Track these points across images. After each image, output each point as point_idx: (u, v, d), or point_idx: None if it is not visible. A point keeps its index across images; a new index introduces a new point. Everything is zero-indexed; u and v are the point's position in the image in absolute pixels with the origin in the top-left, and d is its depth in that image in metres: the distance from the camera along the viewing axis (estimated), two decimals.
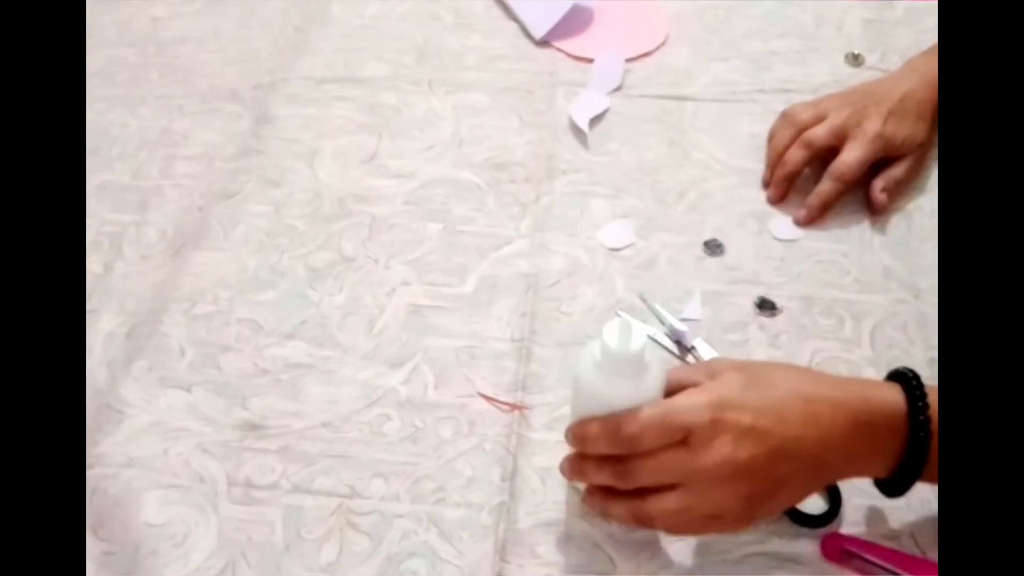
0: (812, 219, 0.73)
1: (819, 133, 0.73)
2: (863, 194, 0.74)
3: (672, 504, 0.50)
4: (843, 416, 0.50)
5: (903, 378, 0.52)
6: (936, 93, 0.74)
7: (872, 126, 0.72)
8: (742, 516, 0.51)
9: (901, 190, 0.74)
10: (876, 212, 0.73)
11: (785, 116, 0.77)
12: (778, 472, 0.50)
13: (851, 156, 0.72)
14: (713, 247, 0.71)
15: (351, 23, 0.93)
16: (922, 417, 0.49)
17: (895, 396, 0.51)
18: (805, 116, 0.75)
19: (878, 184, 0.73)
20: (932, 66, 0.75)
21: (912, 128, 0.73)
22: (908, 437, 0.50)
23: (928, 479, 0.51)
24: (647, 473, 0.50)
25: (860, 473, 0.53)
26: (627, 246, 0.72)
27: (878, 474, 0.52)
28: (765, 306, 0.67)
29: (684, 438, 0.49)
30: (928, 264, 0.70)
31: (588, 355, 0.51)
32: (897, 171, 0.73)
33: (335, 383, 0.65)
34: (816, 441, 0.50)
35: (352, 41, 0.91)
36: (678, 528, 0.53)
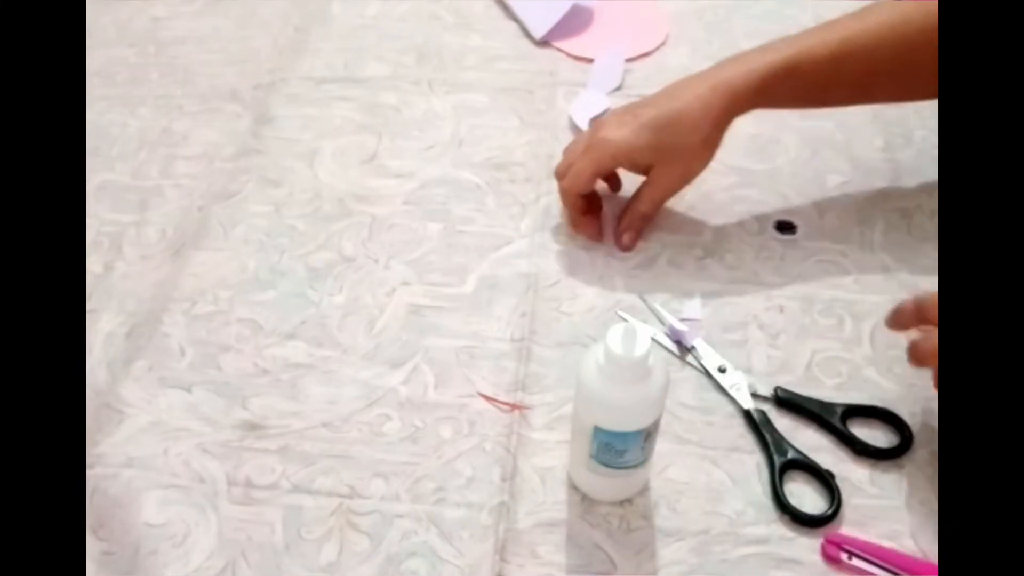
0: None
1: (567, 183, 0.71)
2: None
3: None
4: None
5: None
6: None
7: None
8: None
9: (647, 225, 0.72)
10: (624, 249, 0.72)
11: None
12: None
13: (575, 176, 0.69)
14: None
15: (351, 23, 0.93)
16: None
17: None
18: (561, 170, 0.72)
19: (622, 225, 0.71)
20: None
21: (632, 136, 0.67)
22: None
23: None
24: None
25: None
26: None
27: None
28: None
29: None
30: (928, 264, 0.70)
31: (592, 359, 0.51)
32: (638, 203, 0.71)
33: (335, 383, 0.65)
34: None
35: (352, 41, 0.91)
36: None
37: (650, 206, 0.71)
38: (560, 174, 0.71)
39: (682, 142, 0.67)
